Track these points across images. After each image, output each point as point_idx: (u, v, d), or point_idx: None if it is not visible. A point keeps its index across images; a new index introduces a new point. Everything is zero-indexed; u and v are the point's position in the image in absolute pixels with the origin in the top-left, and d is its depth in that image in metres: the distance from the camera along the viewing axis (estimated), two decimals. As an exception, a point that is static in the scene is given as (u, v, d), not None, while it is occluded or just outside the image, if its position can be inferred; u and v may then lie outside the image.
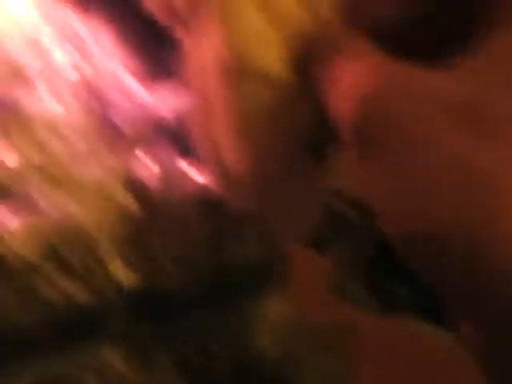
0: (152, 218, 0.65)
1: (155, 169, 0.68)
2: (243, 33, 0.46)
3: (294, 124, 0.47)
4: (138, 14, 0.65)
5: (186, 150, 0.68)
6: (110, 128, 0.69)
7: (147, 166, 0.68)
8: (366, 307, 0.68)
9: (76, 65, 0.73)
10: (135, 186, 0.65)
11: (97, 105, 0.71)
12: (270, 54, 0.46)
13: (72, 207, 0.62)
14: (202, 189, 0.68)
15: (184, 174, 0.69)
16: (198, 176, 0.69)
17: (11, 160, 0.62)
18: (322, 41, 0.44)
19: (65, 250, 0.60)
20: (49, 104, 0.67)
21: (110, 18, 0.73)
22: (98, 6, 0.72)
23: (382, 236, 0.68)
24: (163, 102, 0.72)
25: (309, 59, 0.44)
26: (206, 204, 0.68)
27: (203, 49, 0.50)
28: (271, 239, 0.69)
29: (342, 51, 0.42)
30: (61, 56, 0.73)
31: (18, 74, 0.68)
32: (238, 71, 0.46)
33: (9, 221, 0.59)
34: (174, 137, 0.70)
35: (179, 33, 0.56)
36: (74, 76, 0.72)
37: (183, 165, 0.69)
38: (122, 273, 0.63)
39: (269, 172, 0.50)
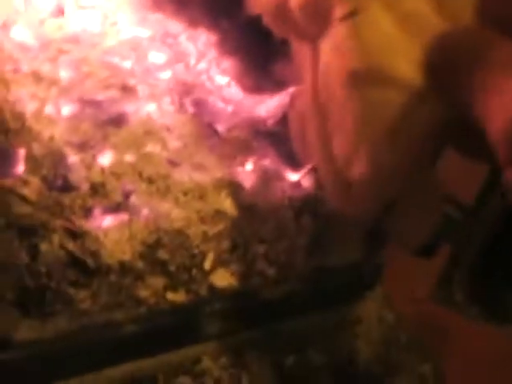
0: (251, 220, 0.63)
1: (255, 172, 0.66)
2: (373, 38, 0.45)
3: (419, 129, 0.45)
4: (243, 18, 0.64)
5: (287, 153, 0.66)
6: (205, 129, 0.68)
7: (246, 169, 0.67)
8: (472, 317, 0.65)
9: (171, 65, 0.73)
10: (233, 189, 0.64)
11: (192, 105, 0.70)
12: (401, 59, 0.44)
13: (166, 207, 0.61)
14: (304, 192, 0.67)
15: (284, 178, 0.67)
16: (300, 179, 0.67)
17: (107, 159, 0.61)
18: (467, 48, 0.42)
19: (159, 249, 0.59)
20: (145, 104, 0.67)
21: (210, 21, 0.72)
22: (199, 11, 0.71)
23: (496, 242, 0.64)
24: (264, 106, 0.71)
25: (449, 66, 0.42)
26: (307, 207, 0.66)
27: (325, 55, 0.49)
28: (373, 243, 0.67)
29: (494, 59, 0.40)
30: (157, 57, 0.73)
31: (116, 75, 0.68)
32: (367, 75, 0.45)
33: (103, 219, 0.58)
34: (275, 140, 0.69)
35: (291, 38, 0.55)
36: (168, 76, 0.71)
37: (284, 168, 0.67)
38: (218, 274, 0.61)
39: (390, 176, 0.48)
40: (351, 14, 0.46)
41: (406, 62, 0.44)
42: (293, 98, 0.66)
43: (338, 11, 0.47)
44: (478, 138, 0.40)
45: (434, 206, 0.57)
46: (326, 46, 0.49)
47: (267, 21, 0.55)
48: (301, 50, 0.55)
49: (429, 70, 0.44)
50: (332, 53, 0.48)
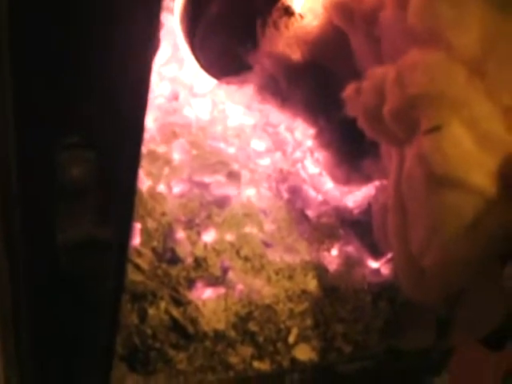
0: (332, 301, 0.70)
1: (339, 257, 0.73)
2: (453, 151, 0.51)
3: (489, 234, 0.51)
4: (339, 118, 0.71)
5: (369, 242, 0.73)
6: (297, 214, 0.75)
7: (332, 254, 0.73)
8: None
9: (270, 152, 0.80)
10: (319, 271, 0.71)
11: (287, 192, 0.77)
12: (477, 170, 0.50)
13: (259, 284, 0.68)
14: (382, 279, 0.73)
15: (365, 264, 0.73)
16: (380, 267, 0.74)
17: (210, 236, 0.69)
18: None
19: (250, 321, 0.66)
20: (246, 188, 0.75)
21: (309, 116, 0.78)
22: (299, 106, 0.78)
23: None
24: (352, 196, 0.78)
25: None
26: (385, 293, 0.72)
27: (409, 160, 0.55)
28: (442, 330, 0.72)
29: None
30: (258, 144, 0.80)
31: (222, 161, 0.76)
32: (446, 182, 0.51)
33: (204, 291, 0.65)
34: (359, 229, 0.75)
35: (380, 141, 0.62)
36: (267, 163, 0.79)
37: (366, 256, 0.74)
38: (300, 348, 0.67)
39: (459, 268, 0.53)
40: (435, 129, 0.53)
41: (481, 174, 0.51)
42: (377, 192, 0.73)
43: (424, 124, 0.53)
44: None
45: (501, 299, 0.61)
46: (411, 153, 0.55)
47: (361, 123, 0.62)
48: (388, 152, 0.62)
49: (503, 181, 0.50)
50: (416, 160, 0.54)
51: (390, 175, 0.61)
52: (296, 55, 0.74)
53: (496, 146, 0.51)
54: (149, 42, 0.43)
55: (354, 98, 0.61)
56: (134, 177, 0.45)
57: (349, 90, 0.62)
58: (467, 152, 0.51)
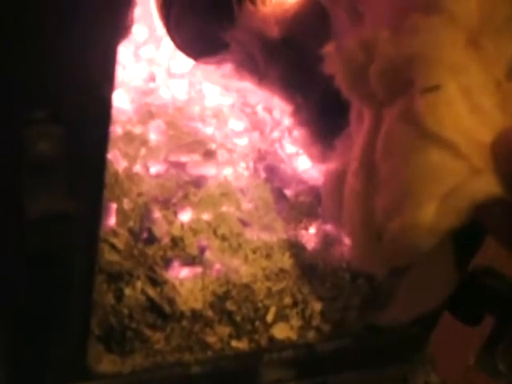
0: (310, 280, 0.69)
1: (317, 235, 0.73)
2: (446, 109, 0.50)
3: (462, 206, 0.50)
4: (315, 95, 0.70)
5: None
6: (275, 193, 0.75)
7: (309, 232, 0.73)
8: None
9: (247, 132, 0.80)
10: (297, 250, 0.70)
11: (264, 171, 0.77)
12: (466, 137, 0.49)
13: (236, 263, 0.67)
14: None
15: (343, 242, 0.73)
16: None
17: (186, 216, 0.68)
18: None
19: (227, 300, 0.65)
20: (223, 168, 0.74)
21: (286, 94, 0.78)
22: (276, 84, 0.77)
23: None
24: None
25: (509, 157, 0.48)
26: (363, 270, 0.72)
27: (391, 120, 0.54)
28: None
29: None
30: (236, 124, 0.80)
31: (199, 141, 0.76)
32: (434, 136, 0.50)
33: (180, 270, 0.65)
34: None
35: (356, 99, 0.61)
36: (245, 143, 0.79)
37: (343, 233, 0.73)
38: (278, 327, 0.67)
39: (422, 238, 0.52)
40: (434, 88, 0.51)
41: (470, 142, 0.50)
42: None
43: (420, 83, 0.52)
44: None
45: (447, 275, 0.61)
46: (393, 113, 0.54)
47: (339, 80, 0.60)
48: (358, 116, 0.61)
49: (492, 156, 0.49)
50: (401, 119, 0.53)
51: (359, 139, 0.60)
52: (273, 32, 0.74)
53: (486, 118, 0.50)
54: (116, 13, 0.42)
55: (334, 54, 0.60)
56: (103, 151, 0.44)
57: (329, 47, 0.60)
58: (461, 117, 0.50)
